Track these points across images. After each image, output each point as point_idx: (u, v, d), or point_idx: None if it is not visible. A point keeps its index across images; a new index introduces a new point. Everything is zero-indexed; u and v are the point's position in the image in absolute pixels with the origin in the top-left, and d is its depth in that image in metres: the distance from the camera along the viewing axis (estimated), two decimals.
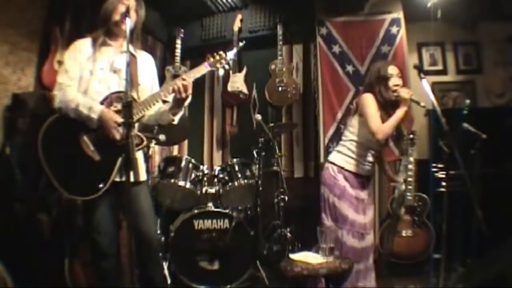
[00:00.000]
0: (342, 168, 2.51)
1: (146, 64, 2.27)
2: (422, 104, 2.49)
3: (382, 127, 2.39)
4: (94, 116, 1.97)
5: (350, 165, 2.51)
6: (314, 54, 4.08)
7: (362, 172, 2.53)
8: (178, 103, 2.08)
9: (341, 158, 2.54)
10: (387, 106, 2.46)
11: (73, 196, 2.06)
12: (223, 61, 2.15)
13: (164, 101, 2.14)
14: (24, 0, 2.97)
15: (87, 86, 2.06)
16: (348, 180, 2.49)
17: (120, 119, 1.91)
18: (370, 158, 2.55)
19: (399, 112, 2.40)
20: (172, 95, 2.08)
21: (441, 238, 2.33)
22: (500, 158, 3.33)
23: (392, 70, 2.51)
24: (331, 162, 2.56)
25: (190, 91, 2.03)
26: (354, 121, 2.56)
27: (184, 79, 2.02)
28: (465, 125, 2.95)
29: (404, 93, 2.41)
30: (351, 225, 2.45)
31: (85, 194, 2.00)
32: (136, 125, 2.13)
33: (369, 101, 2.45)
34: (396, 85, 2.47)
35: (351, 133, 2.56)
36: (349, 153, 2.52)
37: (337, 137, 3.78)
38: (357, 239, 2.46)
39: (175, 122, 2.18)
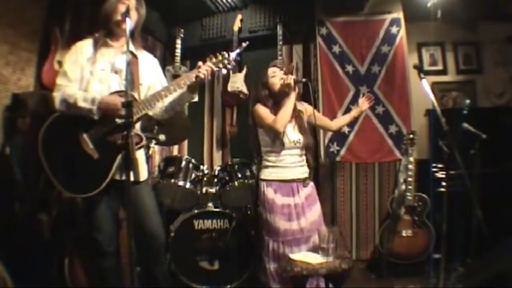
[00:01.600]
0: (269, 180, 2.54)
1: (149, 63, 2.27)
2: (304, 79, 2.59)
3: (277, 118, 2.44)
4: (94, 106, 1.98)
5: (274, 174, 2.54)
6: (314, 54, 4.07)
7: (289, 177, 2.54)
8: (194, 88, 2.15)
9: (265, 172, 2.58)
10: (279, 102, 2.52)
11: (72, 194, 2.07)
12: (225, 61, 2.16)
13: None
14: (24, 0, 2.97)
15: (87, 86, 2.07)
16: (278, 191, 2.52)
17: (121, 99, 1.91)
18: (291, 160, 2.55)
19: (287, 100, 2.47)
20: (173, 94, 2.09)
21: (441, 238, 2.33)
22: (500, 158, 3.33)
23: (272, 72, 2.61)
24: (259, 179, 2.60)
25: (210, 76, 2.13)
26: (259, 135, 2.60)
27: (202, 65, 2.09)
28: (465, 125, 2.96)
29: (287, 79, 2.50)
30: (284, 235, 2.46)
31: (84, 192, 2.01)
32: (138, 124, 2.15)
33: (258, 109, 2.54)
34: (282, 79, 2.56)
35: (261, 145, 2.61)
36: (269, 164, 2.56)
37: (337, 137, 3.79)
38: (295, 246, 2.44)
39: (195, 99, 2.28)
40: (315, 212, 2.55)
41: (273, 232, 2.48)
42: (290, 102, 2.47)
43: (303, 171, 2.60)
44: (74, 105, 1.99)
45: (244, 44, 2.44)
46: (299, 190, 2.55)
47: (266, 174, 2.57)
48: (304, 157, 2.63)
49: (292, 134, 2.55)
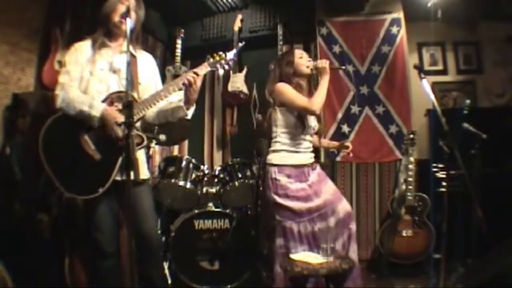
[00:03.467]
0: (282, 165, 2.49)
1: (147, 63, 2.28)
2: (343, 67, 2.58)
3: (313, 99, 2.41)
4: (96, 114, 1.98)
5: (287, 159, 2.50)
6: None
7: (302, 162, 2.52)
8: (188, 98, 2.10)
9: (277, 156, 2.52)
10: (301, 83, 2.53)
11: (73, 195, 2.07)
12: (223, 61, 2.16)
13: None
14: (24, 0, 2.97)
15: (87, 86, 2.07)
16: (291, 176, 2.47)
17: (121, 118, 1.92)
18: (305, 145, 2.55)
19: (322, 82, 2.44)
20: (173, 95, 2.09)
21: (441, 238, 2.33)
22: (500, 158, 3.33)
23: (300, 53, 2.59)
24: (270, 164, 2.53)
25: (199, 83, 2.07)
26: (276, 115, 2.55)
27: (195, 72, 2.06)
28: (465, 125, 2.96)
29: (321, 63, 2.48)
30: (309, 214, 2.41)
31: (86, 193, 2.01)
32: (138, 124, 2.15)
33: (284, 88, 2.48)
34: (309, 61, 2.55)
35: (277, 126, 2.55)
36: (283, 148, 2.51)
37: (337, 137, 3.79)
38: (323, 220, 2.42)
39: (189, 117, 2.21)
40: (330, 185, 2.55)
41: (295, 215, 2.41)
42: (325, 85, 2.44)
43: (312, 156, 2.59)
44: (78, 109, 2.00)
45: (240, 44, 2.44)
46: (310, 173, 2.53)
47: (279, 158, 2.51)
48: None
49: (310, 119, 2.53)
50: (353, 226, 2.46)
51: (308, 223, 2.41)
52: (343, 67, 2.58)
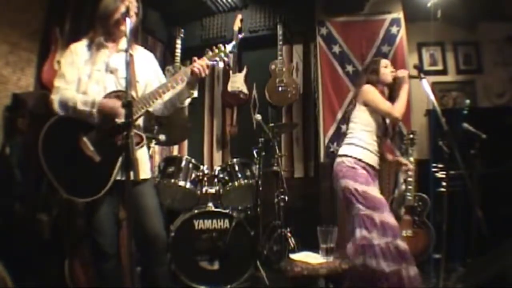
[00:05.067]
0: (359, 159, 2.52)
1: (144, 59, 2.25)
2: (422, 76, 2.49)
3: (396, 106, 2.53)
4: (93, 108, 1.97)
5: (365, 156, 2.53)
6: (314, 54, 4.08)
7: (375, 164, 2.57)
8: (191, 83, 2.13)
9: (356, 149, 2.55)
10: (385, 91, 2.66)
11: (74, 198, 2.05)
12: (222, 54, 2.16)
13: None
14: (24, 0, 2.97)
15: (85, 88, 2.05)
16: (367, 171, 2.52)
17: (117, 103, 1.91)
18: (378, 148, 2.60)
19: (403, 91, 2.56)
20: (171, 91, 2.09)
21: (441, 238, 2.33)
22: (500, 158, 3.33)
23: (385, 64, 2.70)
24: (344, 155, 2.55)
25: (207, 70, 2.10)
26: (358, 112, 2.62)
27: (197, 60, 2.09)
28: (465, 125, 2.95)
29: (401, 73, 2.62)
30: (386, 205, 2.46)
31: (88, 195, 2.00)
32: (140, 123, 2.15)
33: (372, 90, 2.58)
34: (392, 71, 2.66)
35: (357, 123, 2.62)
36: (361, 144, 2.55)
37: (337, 137, 3.78)
38: (392, 215, 2.47)
39: (195, 95, 2.24)
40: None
41: (378, 204, 2.43)
42: (405, 94, 2.55)
43: (378, 162, 2.63)
44: (74, 108, 1.98)
45: (240, 36, 2.44)
46: (375, 178, 2.57)
47: (356, 151, 2.54)
48: None
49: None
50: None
51: (388, 214, 2.42)
52: (422, 76, 2.41)
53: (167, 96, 2.14)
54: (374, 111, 2.58)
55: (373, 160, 2.56)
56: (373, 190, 2.46)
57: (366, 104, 2.59)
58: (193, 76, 2.09)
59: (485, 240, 2.10)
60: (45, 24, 3.10)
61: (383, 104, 2.54)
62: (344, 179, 2.50)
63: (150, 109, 2.14)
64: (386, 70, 2.65)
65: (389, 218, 2.41)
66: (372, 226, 2.37)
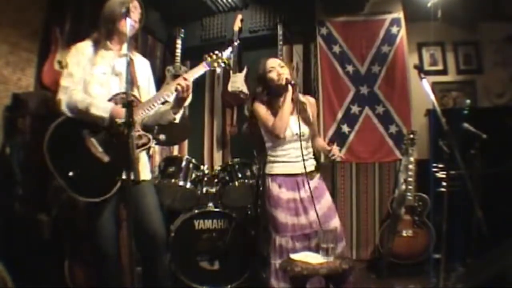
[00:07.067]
0: (274, 174, 2.51)
1: (143, 66, 2.29)
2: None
3: (275, 122, 2.42)
4: (106, 115, 1.97)
5: (278, 168, 2.51)
6: (314, 54, 4.07)
7: (294, 171, 2.49)
8: (179, 102, 2.10)
9: (270, 166, 2.55)
10: (275, 97, 2.50)
11: (82, 197, 2.04)
12: (219, 60, 2.19)
13: (163, 102, 2.14)
14: (24, 0, 2.97)
15: (87, 88, 2.06)
16: (282, 185, 2.48)
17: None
18: (295, 153, 2.48)
19: (284, 103, 2.42)
20: (173, 95, 2.09)
21: (441, 238, 2.33)
22: (500, 158, 3.33)
23: (272, 63, 2.51)
24: (265, 174, 2.57)
25: (190, 90, 2.07)
26: (261, 131, 2.59)
27: (185, 79, 2.05)
28: (465, 125, 2.96)
29: (280, 80, 2.43)
30: (292, 231, 2.42)
31: (95, 195, 2.00)
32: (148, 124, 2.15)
33: (256, 108, 2.52)
34: (279, 75, 2.46)
35: (265, 141, 2.60)
36: (272, 159, 2.54)
37: (337, 137, 3.78)
38: (305, 241, 2.42)
39: (177, 121, 2.19)
40: (324, 204, 2.47)
41: (281, 228, 2.42)
42: (286, 105, 2.42)
43: (309, 164, 2.51)
44: (85, 112, 1.98)
45: (235, 43, 2.46)
46: (305, 184, 2.46)
47: (270, 168, 2.54)
48: (310, 150, 2.60)
49: (295, 127, 2.44)
50: (341, 243, 2.44)
51: (290, 240, 2.42)
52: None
53: (153, 110, 2.12)
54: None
55: (292, 168, 2.48)
56: (281, 215, 2.42)
57: (259, 124, 2.57)
58: (177, 94, 2.07)
59: (485, 240, 2.09)
60: (45, 24, 3.10)
61: (266, 121, 2.46)
62: (265, 199, 2.55)
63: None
64: (272, 75, 2.46)
65: (293, 245, 2.40)
66: (272, 246, 2.44)
